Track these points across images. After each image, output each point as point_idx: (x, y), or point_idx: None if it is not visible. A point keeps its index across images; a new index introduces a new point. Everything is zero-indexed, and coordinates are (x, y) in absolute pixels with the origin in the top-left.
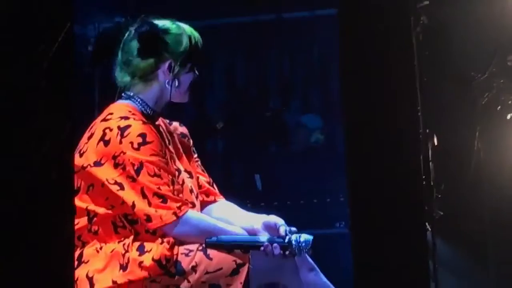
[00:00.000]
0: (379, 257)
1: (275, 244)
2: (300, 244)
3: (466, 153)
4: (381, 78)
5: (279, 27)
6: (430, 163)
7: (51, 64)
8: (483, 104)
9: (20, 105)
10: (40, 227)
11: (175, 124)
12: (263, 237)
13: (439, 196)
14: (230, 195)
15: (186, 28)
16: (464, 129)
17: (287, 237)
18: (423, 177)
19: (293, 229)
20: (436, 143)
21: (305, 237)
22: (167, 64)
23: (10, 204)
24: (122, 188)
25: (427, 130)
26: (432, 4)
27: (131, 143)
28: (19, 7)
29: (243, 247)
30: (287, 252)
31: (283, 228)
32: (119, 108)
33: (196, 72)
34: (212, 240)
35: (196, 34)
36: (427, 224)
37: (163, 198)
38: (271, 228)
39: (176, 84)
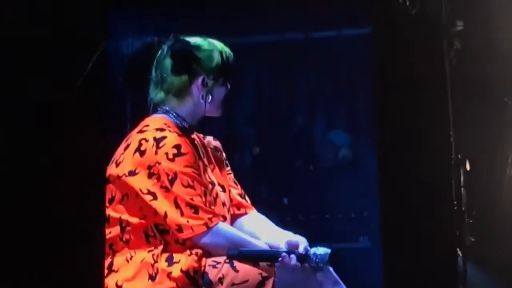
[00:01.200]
0: (410, 283)
1: (292, 255)
2: (317, 256)
3: (498, 179)
4: (414, 102)
5: (307, 46)
6: (462, 188)
7: (85, 81)
8: None
9: (54, 122)
10: (71, 242)
11: (209, 138)
12: (283, 249)
13: (471, 221)
14: (256, 208)
15: (217, 44)
16: (496, 155)
17: (305, 249)
18: (455, 202)
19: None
20: (468, 168)
21: (322, 250)
22: (200, 80)
23: (43, 218)
24: (155, 198)
25: (459, 156)
26: (465, 29)
27: (166, 154)
28: (55, 25)
29: (262, 258)
30: (307, 265)
31: (302, 245)
32: (155, 121)
33: (229, 85)
34: (234, 251)
35: (227, 50)
36: (458, 250)
37: (195, 209)
38: (293, 247)
39: (210, 98)
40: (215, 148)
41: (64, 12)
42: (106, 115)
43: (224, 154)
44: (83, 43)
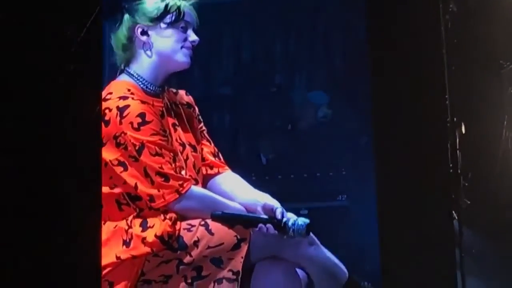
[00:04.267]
0: (405, 246)
1: (268, 225)
2: (294, 228)
3: (494, 141)
4: (409, 66)
5: (285, 4)
6: (458, 151)
7: (79, 48)
8: (511, 93)
9: (48, 89)
10: (68, 215)
11: (181, 93)
12: (264, 216)
13: (466, 184)
14: (235, 168)
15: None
16: (492, 118)
17: (284, 220)
18: (451, 165)
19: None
20: (463, 132)
21: (301, 220)
22: (139, 30)
23: (37, 191)
24: (125, 169)
25: (455, 119)
26: None
27: (131, 123)
28: None
29: (245, 223)
30: (285, 237)
31: (279, 211)
32: (119, 87)
33: (188, 32)
34: (218, 213)
35: (173, 2)
36: (454, 212)
37: (166, 177)
38: (268, 210)
39: (152, 46)
40: (187, 104)
41: None
42: (102, 79)
43: (196, 109)
44: (76, 8)
